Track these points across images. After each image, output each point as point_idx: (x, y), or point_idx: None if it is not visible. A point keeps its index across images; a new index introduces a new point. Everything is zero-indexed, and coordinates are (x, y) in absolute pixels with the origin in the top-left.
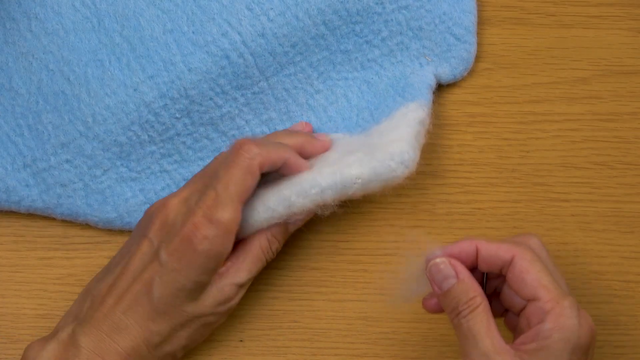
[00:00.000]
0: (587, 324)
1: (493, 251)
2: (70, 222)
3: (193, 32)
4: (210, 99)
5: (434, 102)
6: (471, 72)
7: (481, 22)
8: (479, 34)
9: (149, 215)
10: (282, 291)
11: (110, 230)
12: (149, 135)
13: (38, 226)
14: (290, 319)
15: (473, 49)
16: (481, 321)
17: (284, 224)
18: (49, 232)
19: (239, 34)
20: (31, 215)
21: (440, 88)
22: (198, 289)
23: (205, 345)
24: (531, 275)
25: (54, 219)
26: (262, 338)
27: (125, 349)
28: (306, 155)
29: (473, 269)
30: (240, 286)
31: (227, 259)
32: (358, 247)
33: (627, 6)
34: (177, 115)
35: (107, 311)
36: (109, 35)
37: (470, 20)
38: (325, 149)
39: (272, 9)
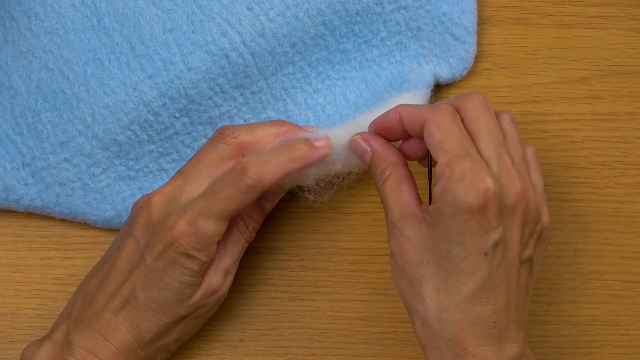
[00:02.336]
0: (480, 186)
1: (410, 117)
2: (69, 222)
3: (193, 32)
4: (209, 98)
5: (433, 102)
6: (471, 72)
7: (481, 22)
8: (479, 34)
9: (134, 212)
10: (282, 291)
11: (110, 229)
12: (147, 135)
13: (38, 226)
14: (290, 319)
15: (472, 49)
16: (391, 190)
17: (258, 202)
18: (49, 232)
19: (238, 33)
20: (31, 215)
21: (441, 88)
22: (184, 290)
23: (205, 345)
24: (435, 138)
25: (53, 219)
26: (262, 338)
27: (117, 346)
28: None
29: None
30: (226, 272)
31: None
32: (358, 247)
33: (627, 6)
34: (176, 114)
35: (97, 310)
36: (108, 35)
37: (470, 20)
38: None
39: (272, 8)
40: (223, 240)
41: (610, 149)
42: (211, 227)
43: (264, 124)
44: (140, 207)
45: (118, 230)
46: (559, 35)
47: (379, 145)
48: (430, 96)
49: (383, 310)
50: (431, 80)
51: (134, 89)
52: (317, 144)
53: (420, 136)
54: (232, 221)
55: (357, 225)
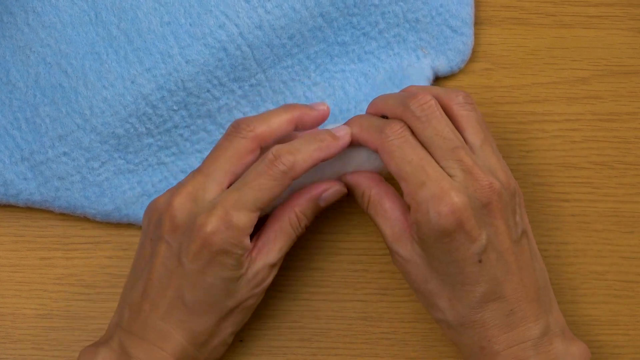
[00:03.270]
0: (446, 209)
1: (364, 142)
2: (70, 222)
3: (190, 25)
4: (208, 91)
5: None
6: (471, 72)
7: (481, 22)
8: (479, 34)
9: (157, 215)
10: (282, 291)
11: (110, 229)
12: (146, 128)
13: (38, 226)
14: (290, 319)
15: (470, 40)
16: (377, 212)
17: (314, 199)
18: (49, 232)
19: (236, 26)
20: (31, 215)
21: (439, 81)
22: (228, 284)
23: None
24: (391, 168)
25: (53, 219)
26: (262, 338)
27: (173, 354)
28: (305, 127)
29: None
30: (272, 266)
31: (258, 239)
32: (358, 247)
33: (627, 6)
34: (175, 107)
35: (146, 319)
36: (106, 28)
37: (467, 12)
38: (324, 117)
39: (269, 1)
40: (274, 235)
41: (610, 149)
42: (244, 219)
43: (276, 112)
44: (163, 210)
45: (117, 224)
46: (559, 35)
47: (347, 176)
48: None
49: (383, 310)
50: (431, 76)
51: (132, 82)
52: (339, 134)
53: None
54: (286, 216)
55: (357, 225)
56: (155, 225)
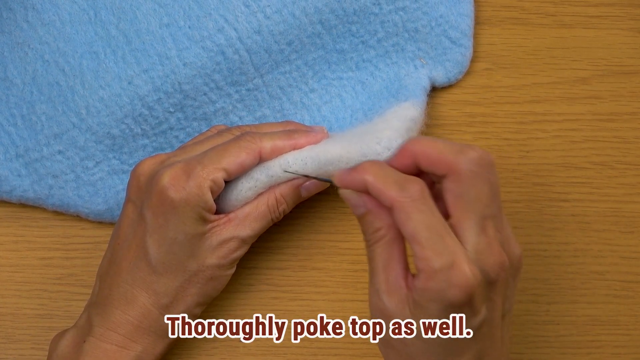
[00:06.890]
0: (461, 282)
1: (376, 193)
2: (70, 222)
3: (189, 27)
4: (204, 94)
5: (430, 102)
6: (471, 72)
7: (481, 22)
8: (479, 34)
9: (129, 179)
10: (283, 291)
11: (110, 230)
12: (142, 129)
13: (38, 226)
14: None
15: (469, 52)
16: (381, 255)
17: (296, 187)
18: (49, 232)
19: (235, 30)
20: (31, 215)
21: (441, 88)
22: (191, 241)
23: (205, 345)
24: (407, 229)
25: (53, 219)
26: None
27: (136, 318)
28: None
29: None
30: (243, 241)
31: (232, 212)
32: (358, 247)
33: (627, 6)
34: (171, 109)
35: (111, 284)
36: (105, 28)
37: (467, 23)
38: (319, 141)
39: (269, 6)
40: (248, 210)
41: (610, 149)
42: (205, 171)
43: (271, 123)
44: (132, 171)
45: (113, 225)
46: (559, 35)
47: (374, 203)
48: (427, 102)
49: None
50: (427, 86)
51: (129, 83)
52: (316, 129)
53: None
54: (264, 197)
55: (357, 225)
56: (126, 189)
